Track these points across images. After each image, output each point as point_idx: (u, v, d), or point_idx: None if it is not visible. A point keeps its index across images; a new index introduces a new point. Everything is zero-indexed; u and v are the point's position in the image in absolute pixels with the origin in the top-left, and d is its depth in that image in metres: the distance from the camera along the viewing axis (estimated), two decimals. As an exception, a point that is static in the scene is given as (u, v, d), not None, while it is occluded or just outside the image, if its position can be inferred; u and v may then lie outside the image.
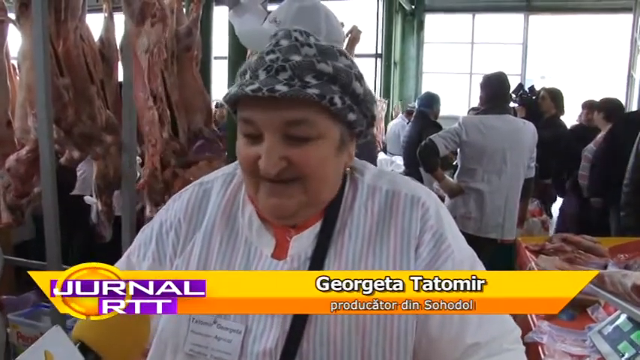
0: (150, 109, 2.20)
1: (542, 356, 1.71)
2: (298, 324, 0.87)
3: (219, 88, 4.22)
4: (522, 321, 1.98)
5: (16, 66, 2.50)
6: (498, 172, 3.29)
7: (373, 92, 0.94)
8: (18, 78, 2.51)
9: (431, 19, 10.65)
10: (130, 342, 0.80)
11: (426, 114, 5.19)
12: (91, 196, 2.76)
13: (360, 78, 0.90)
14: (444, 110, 6.35)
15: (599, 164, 4.12)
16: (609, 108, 4.45)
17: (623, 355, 1.50)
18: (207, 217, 0.97)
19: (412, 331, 0.89)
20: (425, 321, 0.89)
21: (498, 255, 3.30)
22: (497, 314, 0.93)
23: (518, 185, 3.38)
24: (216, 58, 3.84)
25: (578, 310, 1.99)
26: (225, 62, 3.44)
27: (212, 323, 0.90)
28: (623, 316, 1.61)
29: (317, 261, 0.90)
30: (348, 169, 0.96)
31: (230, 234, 0.95)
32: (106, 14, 2.61)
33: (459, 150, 3.44)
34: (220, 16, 3.51)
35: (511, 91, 5.26)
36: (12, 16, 2.34)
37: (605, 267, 2.31)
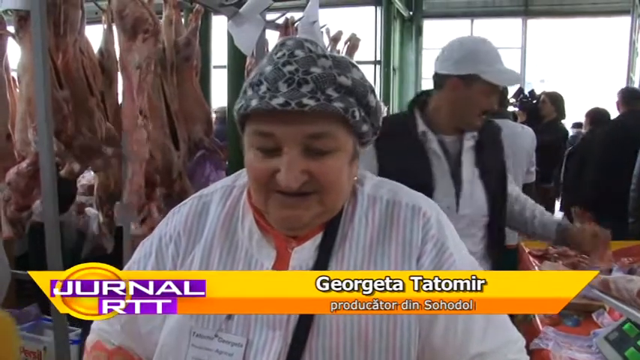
0: (139, 128, 2.19)
1: (548, 363, 1.70)
2: (300, 336, 0.87)
3: (219, 97, 4.23)
4: (528, 327, 1.97)
5: (16, 79, 2.51)
6: None
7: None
8: (18, 91, 2.51)
9: (429, 25, 10.66)
10: None
11: None
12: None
13: (372, 90, 0.90)
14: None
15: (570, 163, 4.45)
16: (594, 116, 4.73)
17: (630, 362, 1.49)
18: (207, 230, 0.96)
19: (415, 342, 0.88)
20: (428, 331, 0.89)
21: (503, 261, 3.28)
22: (501, 324, 0.93)
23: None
24: (215, 67, 3.85)
25: (582, 315, 1.98)
26: (225, 71, 3.45)
27: (213, 337, 0.90)
28: (630, 322, 1.60)
29: None
30: (355, 178, 0.96)
31: (230, 247, 0.95)
32: (105, 26, 2.61)
33: None
34: (219, 25, 3.52)
35: (511, 96, 5.27)
36: (11, 29, 2.34)
37: (610, 271, 2.30)
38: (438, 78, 1.93)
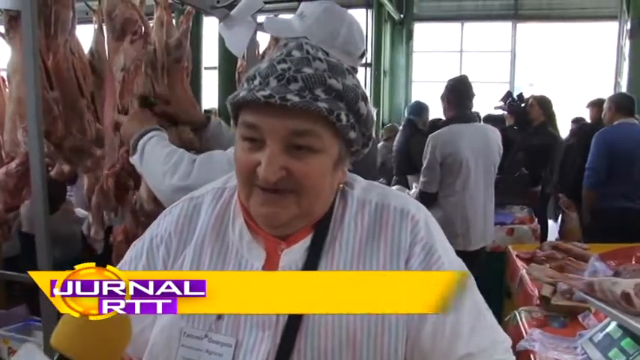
0: (114, 132, 2.19)
1: (535, 364, 1.71)
2: (289, 337, 0.88)
3: (210, 98, 4.23)
4: (515, 329, 1.99)
5: (6, 79, 2.49)
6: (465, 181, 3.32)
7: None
8: (7, 91, 2.50)
9: (420, 28, 10.72)
10: (110, 346, 0.80)
11: (414, 122, 5.22)
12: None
13: (365, 98, 0.91)
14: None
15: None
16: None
17: (613, 363, 1.51)
18: (198, 231, 0.97)
19: (402, 344, 0.89)
20: (416, 334, 0.90)
21: (490, 263, 3.33)
22: (487, 325, 0.95)
23: (489, 193, 3.42)
24: (206, 68, 3.86)
25: (569, 317, 2.00)
26: (216, 73, 3.46)
27: (203, 337, 0.90)
28: (614, 324, 1.62)
29: None
30: (341, 186, 0.97)
31: (220, 248, 0.96)
32: (96, 26, 2.61)
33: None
34: (210, 27, 3.52)
35: (500, 99, 5.31)
36: (1, 29, 2.33)
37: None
38: None
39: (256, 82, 0.87)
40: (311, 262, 0.92)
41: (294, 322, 0.88)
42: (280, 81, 0.85)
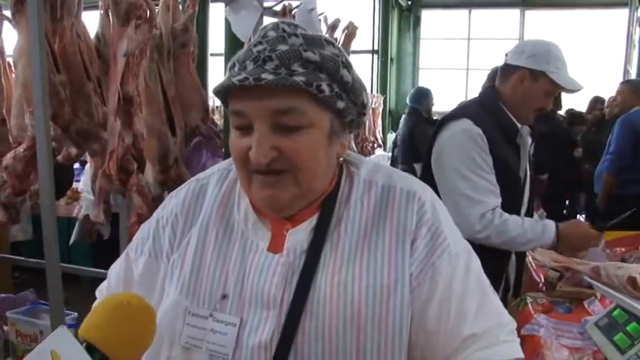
0: (115, 119, 2.20)
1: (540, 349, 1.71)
2: (294, 317, 0.88)
3: (216, 84, 4.22)
4: (520, 314, 1.99)
5: (12, 63, 2.50)
6: None
7: (369, 86, 0.94)
8: (14, 76, 2.50)
9: (427, 15, 10.63)
10: (136, 341, 0.80)
11: (417, 110, 5.18)
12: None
13: (347, 66, 0.90)
14: (441, 106, 6.33)
15: None
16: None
17: (618, 347, 1.51)
18: (203, 212, 0.98)
19: (407, 326, 0.89)
20: (421, 315, 0.90)
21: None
22: (492, 307, 0.95)
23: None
24: (212, 54, 3.84)
25: (574, 303, 1.99)
26: (222, 59, 3.44)
27: (208, 316, 0.91)
28: (619, 308, 1.61)
29: (313, 254, 0.91)
30: (341, 159, 0.97)
31: (226, 228, 0.96)
32: (102, 11, 2.61)
33: None
34: (216, 12, 3.51)
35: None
36: (7, 13, 2.34)
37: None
38: (507, 68, 1.98)
39: (235, 68, 0.87)
40: (316, 243, 0.92)
41: (299, 302, 0.88)
42: (256, 62, 0.84)
